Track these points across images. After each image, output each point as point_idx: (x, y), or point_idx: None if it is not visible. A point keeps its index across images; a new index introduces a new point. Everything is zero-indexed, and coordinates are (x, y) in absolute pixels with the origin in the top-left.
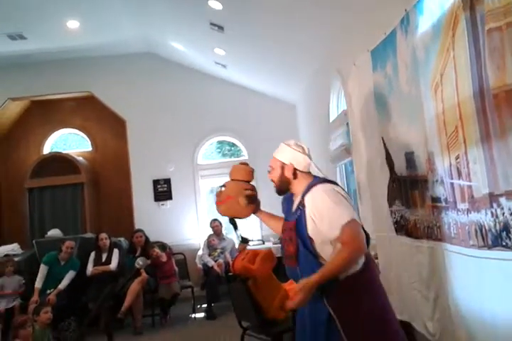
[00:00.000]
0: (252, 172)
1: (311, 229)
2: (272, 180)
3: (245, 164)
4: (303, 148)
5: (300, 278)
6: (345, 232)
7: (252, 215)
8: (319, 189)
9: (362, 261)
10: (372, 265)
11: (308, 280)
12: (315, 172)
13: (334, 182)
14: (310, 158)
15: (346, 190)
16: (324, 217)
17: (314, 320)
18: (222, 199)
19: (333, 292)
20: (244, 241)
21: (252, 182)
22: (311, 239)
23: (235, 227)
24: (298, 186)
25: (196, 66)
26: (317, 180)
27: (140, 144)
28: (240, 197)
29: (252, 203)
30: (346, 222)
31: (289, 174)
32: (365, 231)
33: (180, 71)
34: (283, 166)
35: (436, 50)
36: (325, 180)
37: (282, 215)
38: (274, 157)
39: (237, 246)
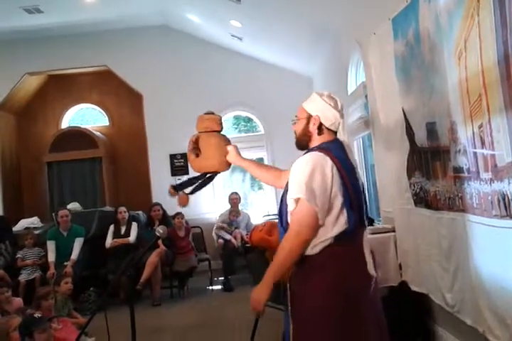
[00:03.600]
0: (212, 119)
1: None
2: (295, 132)
3: (210, 113)
4: (336, 102)
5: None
6: (294, 211)
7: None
8: (307, 155)
9: (326, 242)
10: (342, 251)
11: (260, 284)
12: (340, 134)
13: (333, 151)
14: (342, 115)
15: (361, 163)
16: (288, 184)
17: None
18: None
19: (295, 267)
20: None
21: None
22: (286, 204)
23: (203, 180)
24: (314, 144)
25: (213, 39)
26: (325, 145)
27: (156, 118)
28: (189, 152)
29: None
30: (295, 198)
31: (313, 128)
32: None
33: (196, 44)
34: (309, 118)
35: (460, 15)
36: (326, 148)
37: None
38: (302, 106)
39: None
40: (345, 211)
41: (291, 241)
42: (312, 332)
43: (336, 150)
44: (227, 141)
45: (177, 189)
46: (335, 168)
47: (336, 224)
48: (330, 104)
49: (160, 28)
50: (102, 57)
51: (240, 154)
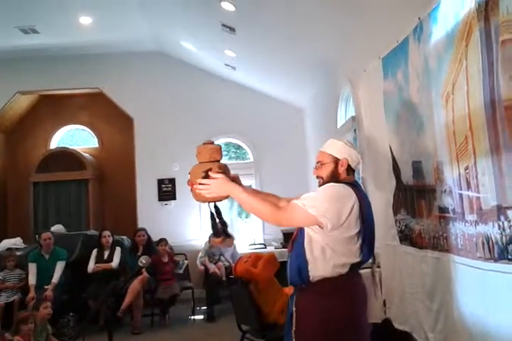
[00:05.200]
0: (215, 150)
1: None
2: (319, 177)
3: (210, 143)
4: (354, 145)
5: (287, 263)
6: (291, 206)
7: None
8: (335, 184)
9: (343, 270)
10: (354, 281)
11: (229, 182)
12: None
13: (354, 185)
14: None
15: None
16: None
17: (287, 314)
18: (190, 188)
19: (302, 291)
20: (217, 234)
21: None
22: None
23: (216, 215)
24: None
25: (206, 67)
26: (352, 183)
27: (146, 143)
28: (196, 186)
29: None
30: (301, 203)
31: (342, 170)
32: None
33: (189, 71)
34: (336, 161)
35: (448, 59)
36: (354, 185)
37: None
38: (325, 152)
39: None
40: (364, 245)
41: (270, 213)
42: None
43: (360, 188)
44: (229, 170)
45: (222, 234)
46: (357, 204)
47: (357, 253)
48: (352, 147)
49: (154, 54)
50: (96, 79)
51: (241, 183)
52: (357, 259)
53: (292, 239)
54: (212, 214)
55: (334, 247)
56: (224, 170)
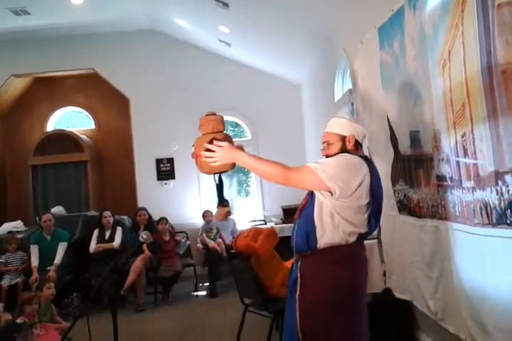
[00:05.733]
0: (218, 120)
1: None
2: (329, 156)
3: (212, 114)
4: (355, 120)
5: (294, 230)
6: (303, 167)
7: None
8: (348, 154)
9: (350, 238)
10: (359, 251)
11: (235, 149)
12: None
13: (366, 159)
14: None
15: None
16: None
17: (289, 281)
18: (194, 160)
19: (308, 257)
20: (222, 203)
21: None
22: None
23: (219, 186)
24: None
25: (200, 44)
26: (361, 155)
27: (143, 123)
28: (202, 153)
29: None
30: (313, 166)
31: (350, 146)
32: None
33: (184, 49)
34: (343, 139)
35: (444, 26)
36: (367, 158)
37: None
38: (330, 132)
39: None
40: (372, 216)
41: (279, 172)
42: (318, 320)
43: (371, 161)
44: (232, 140)
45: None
46: (368, 176)
47: (364, 224)
48: (354, 122)
49: (148, 32)
50: (89, 60)
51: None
52: (364, 229)
53: (301, 206)
54: (217, 184)
55: (343, 215)
56: (227, 139)
